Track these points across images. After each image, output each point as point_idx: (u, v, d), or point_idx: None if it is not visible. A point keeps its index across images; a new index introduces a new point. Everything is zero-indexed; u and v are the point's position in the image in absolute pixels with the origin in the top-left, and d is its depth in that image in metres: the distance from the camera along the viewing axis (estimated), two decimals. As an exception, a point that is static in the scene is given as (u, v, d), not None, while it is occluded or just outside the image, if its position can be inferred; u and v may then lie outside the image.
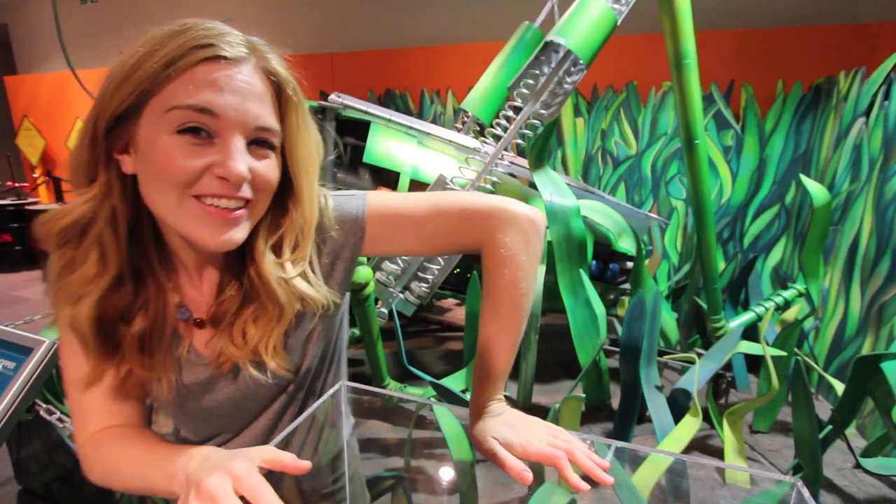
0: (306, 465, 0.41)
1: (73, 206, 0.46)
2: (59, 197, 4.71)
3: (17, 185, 5.05)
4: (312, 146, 0.50)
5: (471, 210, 0.55)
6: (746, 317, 2.19)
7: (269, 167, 0.46)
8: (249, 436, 0.61)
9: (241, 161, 0.43)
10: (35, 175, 5.23)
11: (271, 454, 0.42)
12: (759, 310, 2.20)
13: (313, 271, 0.53)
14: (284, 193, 0.50)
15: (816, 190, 1.91)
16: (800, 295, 2.26)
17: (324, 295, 0.53)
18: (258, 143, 0.46)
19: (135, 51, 0.42)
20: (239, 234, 0.46)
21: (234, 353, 0.51)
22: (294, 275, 0.50)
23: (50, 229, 0.46)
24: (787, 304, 2.23)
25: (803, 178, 1.98)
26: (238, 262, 0.52)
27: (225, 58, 0.42)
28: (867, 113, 2.34)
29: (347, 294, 0.63)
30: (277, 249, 0.51)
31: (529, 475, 0.49)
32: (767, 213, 3.14)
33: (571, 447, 0.51)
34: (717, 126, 3.16)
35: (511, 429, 0.54)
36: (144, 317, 0.50)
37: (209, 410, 0.57)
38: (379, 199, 0.56)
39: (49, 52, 5.21)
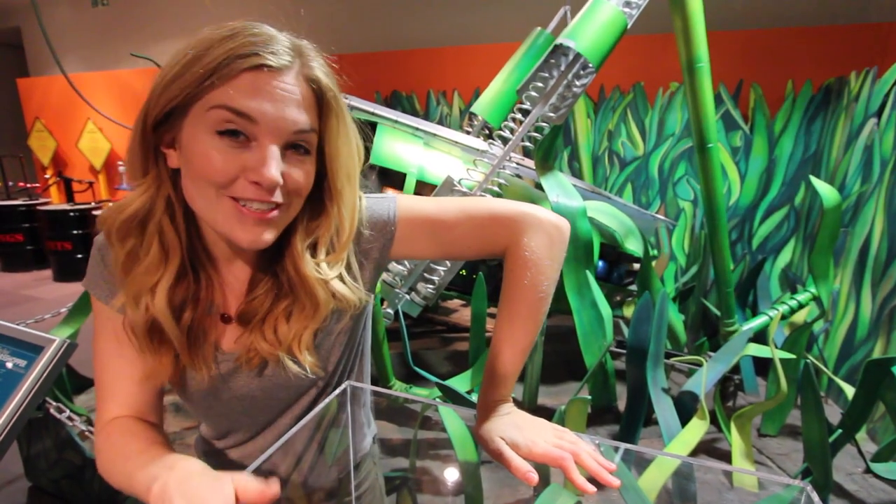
0: (274, 492, 0.41)
1: (131, 199, 0.48)
2: (69, 197, 4.76)
3: (28, 185, 5.12)
4: (353, 151, 0.51)
5: (499, 215, 0.56)
6: (760, 320, 2.17)
7: (302, 173, 0.48)
8: (272, 435, 0.61)
9: (275, 167, 0.44)
10: (46, 176, 5.30)
11: (242, 485, 0.41)
12: (773, 313, 2.17)
13: (349, 272, 0.55)
14: (323, 196, 0.52)
15: (826, 191, 1.89)
16: (814, 298, 2.23)
17: (358, 297, 0.54)
18: (294, 147, 0.47)
19: (185, 53, 0.44)
20: (270, 234, 0.48)
21: (266, 348, 0.52)
22: (332, 276, 0.52)
23: (112, 222, 0.48)
24: (800, 308, 2.21)
25: (813, 179, 1.95)
26: (271, 260, 0.53)
27: (268, 66, 0.43)
28: (878, 113, 2.31)
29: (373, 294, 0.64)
30: (313, 249, 0.52)
31: (535, 476, 0.49)
32: (777, 215, 3.11)
33: (577, 448, 0.51)
34: (725, 127, 3.14)
35: (517, 429, 0.54)
36: (194, 308, 0.52)
37: (231, 406, 0.58)
38: (409, 202, 0.58)
39: (61, 54, 5.28)
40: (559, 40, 1.70)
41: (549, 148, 1.87)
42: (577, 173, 3.41)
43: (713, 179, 1.80)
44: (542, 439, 0.52)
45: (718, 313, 2.53)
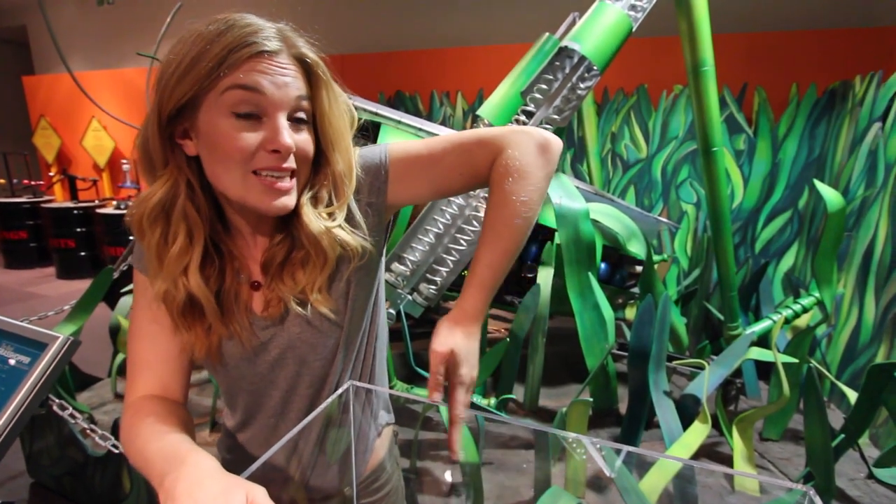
0: None
1: (154, 190, 0.53)
2: (73, 195, 4.78)
3: (33, 183, 5.14)
4: (342, 113, 0.57)
5: (485, 136, 0.59)
6: (764, 324, 2.16)
7: (306, 140, 0.54)
8: (296, 416, 0.64)
9: (288, 135, 0.51)
10: (51, 173, 5.32)
11: (251, 498, 0.40)
12: (777, 317, 2.16)
13: (352, 221, 0.60)
14: (319, 157, 0.57)
15: (830, 195, 1.89)
16: (818, 303, 2.22)
17: (360, 243, 0.58)
18: (296, 121, 0.53)
19: (187, 50, 0.49)
20: (291, 200, 0.54)
21: (285, 291, 0.57)
22: (333, 225, 0.57)
23: (140, 213, 0.53)
24: (805, 312, 2.20)
25: (817, 182, 1.95)
26: (285, 222, 0.58)
27: (266, 51, 0.49)
28: (883, 118, 2.31)
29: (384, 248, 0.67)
30: (315, 202, 0.58)
31: (437, 397, 0.55)
32: (780, 219, 3.10)
33: (458, 383, 0.56)
34: (729, 130, 3.13)
35: (448, 338, 0.57)
36: (222, 280, 0.58)
37: (263, 375, 0.62)
38: (399, 145, 0.62)
39: (66, 53, 5.31)
40: (564, 42, 1.70)
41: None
42: (580, 175, 3.41)
43: (717, 183, 1.79)
44: (456, 372, 0.56)
45: (721, 317, 2.53)
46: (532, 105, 1.78)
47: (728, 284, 1.96)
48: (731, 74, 3.10)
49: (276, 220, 0.59)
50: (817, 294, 2.21)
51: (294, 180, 0.54)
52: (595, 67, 1.68)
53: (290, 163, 0.52)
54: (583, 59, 1.66)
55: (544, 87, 1.75)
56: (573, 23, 2.36)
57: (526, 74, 2.28)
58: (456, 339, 0.57)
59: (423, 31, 4.09)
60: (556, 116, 1.75)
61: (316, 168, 0.57)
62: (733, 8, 3.29)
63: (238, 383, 0.63)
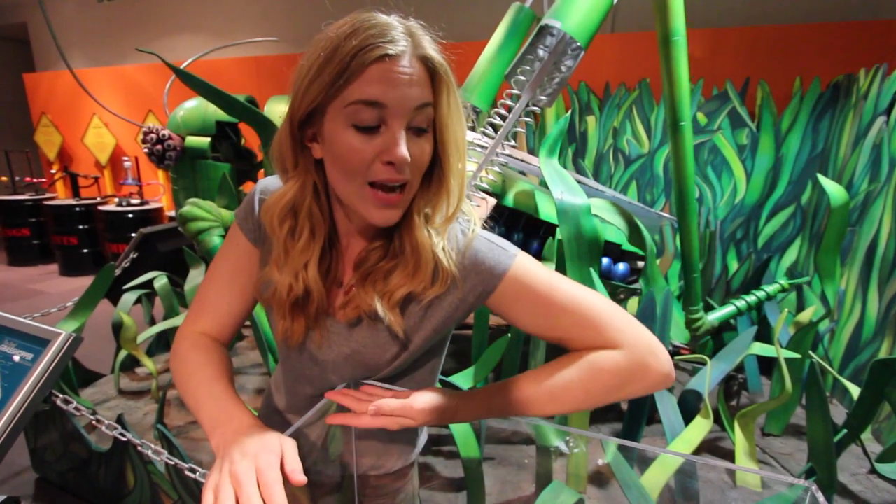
0: (301, 480, 0.46)
1: (287, 189, 0.56)
2: (75, 192, 4.79)
3: (35, 180, 5.15)
4: (462, 121, 0.55)
5: (613, 328, 0.54)
6: (726, 310, 2.16)
7: (422, 149, 0.53)
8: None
9: (403, 147, 0.50)
10: (52, 171, 5.32)
11: (290, 451, 0.48)
12: (740, 303, 2.17)
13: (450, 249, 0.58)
14: (434, 167, 0.56)
15: (834, 189, 1.87)
16: (783, 290, 2.25)
17: (451, 269, 0.56)
18: (416, 129, 0.52)
19: (316, 56, 0.50)
20: (397, 213, 0.54)
21: (363, 297, 0.58)
22: (437, 241, 0.56)
23: (274, 210, 0.56)
24: (769, 299, 2.22)
25: (820, 177, 1.93)
26: (388, 230, 0.59)
27: (389, 55, 0.48)
28: (888, 111, 2.29)
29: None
30: (426, 217, 0.57)
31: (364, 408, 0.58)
32: (783, 213, 3.09)
33: (393, 397, 0.59)
34: (731, 124, 3.11)
35: (427, 399, 0.59)
36: (327, 277, 0.60)
37: (319, 365, 0.63)
38: (527, 268, 0.57)
39: (67, 50, 5.31)
40: (544, 21, 1.66)
41: (555, 145, 1.86)
42: (582, 171, 3.39)
43: (684, 159, 1.78)
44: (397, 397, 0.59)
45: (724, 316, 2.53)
46: (516, 88, 1.74)
47: (690, 265, 1.94)
48: (734, 68, 3.08)
49: (379, 231, 0.59)
50: (783, 282, 2.24)
51: (404, 192, 0.53)
52: (577, 44, 1.64)
53: (405, 174, 0.52)
54: (564, 36, 1.61)
55: (527, 68, 1.70)
56: None
57: (503, 50, 2.23)
58: (427, 399, 0.58)
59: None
60: (543, 97, 1.71)
61: (429, 176, 0.56)
62: (736, 2, 3.26)
63: (295, 368, 0.67)
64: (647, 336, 0.55)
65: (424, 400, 0.58)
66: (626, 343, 0.54)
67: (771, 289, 2.22)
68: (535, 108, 1.73)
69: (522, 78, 1.71)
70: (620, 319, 0.55)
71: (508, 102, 1.78)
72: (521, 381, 0.58)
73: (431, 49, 0.51)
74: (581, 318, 0.55)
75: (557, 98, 1.74)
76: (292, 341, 0.61)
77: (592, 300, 0.55)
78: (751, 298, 2.18)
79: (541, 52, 1.68)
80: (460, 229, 0.59)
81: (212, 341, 0.64)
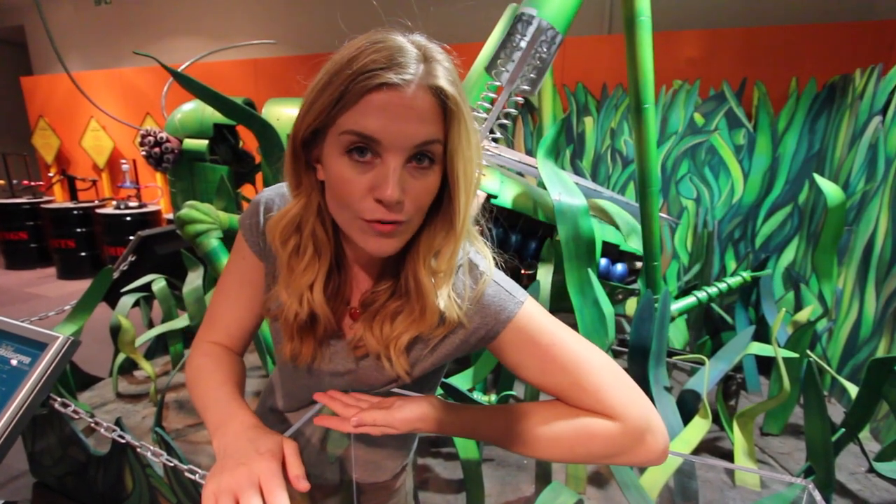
0: (305, 486, 0.46)
1: (290, 207, 0.54)
2: (73, 195, 4.78)
3: (32, 183, 5.14)
4: (473, 157, 0.49)
5: (612, 396, 0.52)
6: (687, 300, 2.17)
7: (423, 184, 0.48)
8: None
9: (395, 185, 0.46)
10: (50, 174, 5.31)
11: (292, 455, 0.48)
12: (701, 294, 2.18)
13: (457, 294, 0.55)
14: (443, 202, 0.52)
15: (831, 189, 1.88)
16: (745, 282, 2.27)
17: (457, 313, 0.53)
18: (419, 158, 0.47)
19: (321, 76, 0.47)
20: (394, 245, 0.50)
21: (371, 341, 0.57)
22: (443, 291, 0.53)
23: (277, 229, 0.55)
24: (730, 291, 2.23)
25: (817, 177, 1.94)
26: (397, 262, 0.57)
27: (388, 84, 0.44)
28: (883, 111, 2.30)
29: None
30: (434, 256, 0.53)
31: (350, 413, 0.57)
32: (780, 213, 3.10)
33: (379, 406, 0.57)
34: (728, 124, 3.12)
35: (415, 408, 0.58)
36: (335, 300, 0.59)
37: (319, 380, 0.64)
38: (530, 315, 0.55)
39: (64, 53, 5.30)
40: (521, 9, 1.65)
41: (553, 145, 1.87)
42: (580, 172, 3.40)
43: (647, 142, 1.78)
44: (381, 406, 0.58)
45: (722, 312, 2.53)
46: (498, 80, 1.73)
47: (650, 253, 1.93)
48: (730, 69, 3.09)
49: (386, 261, 0.57)
50: (745, 274, 2.27)
51: (400, 226, 0.49)
52: (555, 29, 1.62)
53: (398, 212, 0.47)
54: (542, 23, 1.59)
55: (508, 59, 1.70)
56: None
57: (491, 48, 2.23)
58: (411, 410, 0.56)
59: (421, 29, 4.07)
60: (526, 87, 1.70)
61: (441, 217, 0.52)
62: (733, 3, 3.27)
63: (292, 375, 0.68)
64: (646, 410, 0.52)
65: (409, 409, 0.56)
66: (625, 416, 0.51)
67: (732, 281, 2.24)
68: (520, 99, 1.72)
69: (503, 69, 1.70)
70: (621, 388, 0.52)
71: (493, 95, 1.77)
72: (512, 415, 0.56)
73: (445, 79, 0.46)
74: (581, 379, 0.52)
75: (540, 86, 1.72)
76: (300, 361, 0.61)
77: (595, 362, 0.53)
78: (712, 290, 2.19)
79: (519, 41, 1.66)
80: (473, 264, 0.56)
81: (223, 349, 0.65)
